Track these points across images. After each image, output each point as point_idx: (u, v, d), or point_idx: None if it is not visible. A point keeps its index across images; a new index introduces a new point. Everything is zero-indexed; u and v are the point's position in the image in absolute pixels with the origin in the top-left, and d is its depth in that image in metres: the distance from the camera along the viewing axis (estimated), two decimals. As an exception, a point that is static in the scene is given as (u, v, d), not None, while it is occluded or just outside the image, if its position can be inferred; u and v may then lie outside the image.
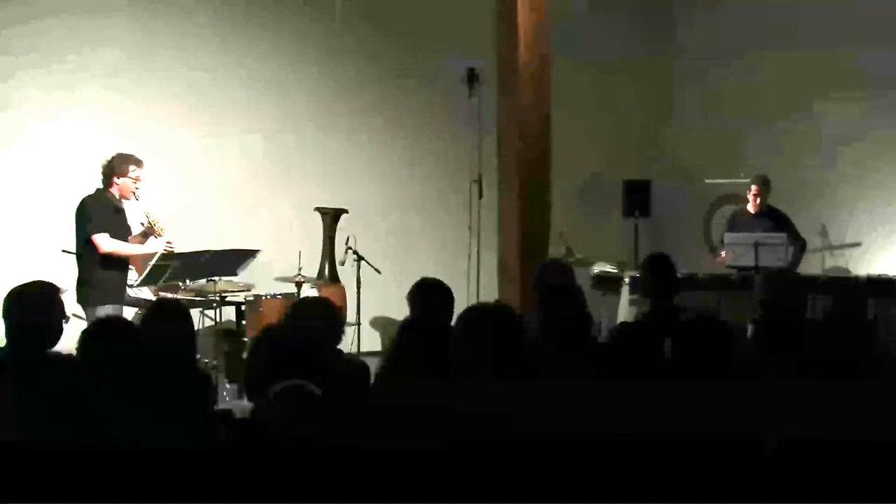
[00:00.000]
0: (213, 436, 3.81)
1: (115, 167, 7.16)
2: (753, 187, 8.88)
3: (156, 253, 7.17)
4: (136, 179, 7.17)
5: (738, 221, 8.95)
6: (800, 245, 8.83)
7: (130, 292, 7.38)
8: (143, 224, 7.36)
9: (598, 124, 10.42)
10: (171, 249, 7.22)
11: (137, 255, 7.36)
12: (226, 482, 3.31)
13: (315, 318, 4.70)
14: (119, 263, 7.19)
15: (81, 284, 7.11)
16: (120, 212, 7.23)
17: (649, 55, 10.88)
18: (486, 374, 3.63)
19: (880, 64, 9.38)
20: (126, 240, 7.23)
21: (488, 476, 3.26)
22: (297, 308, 5.03)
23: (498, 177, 8.58)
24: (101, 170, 7.21)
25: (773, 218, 8.83)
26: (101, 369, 3.91)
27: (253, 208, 9.34)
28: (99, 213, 7.11)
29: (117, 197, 7.19)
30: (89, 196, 7.20)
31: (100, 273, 7.09)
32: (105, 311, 6.80)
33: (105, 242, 7.07)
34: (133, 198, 7.24)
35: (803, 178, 9.82)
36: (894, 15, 9.44)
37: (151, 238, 7.31)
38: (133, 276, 7.40)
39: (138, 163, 7.20)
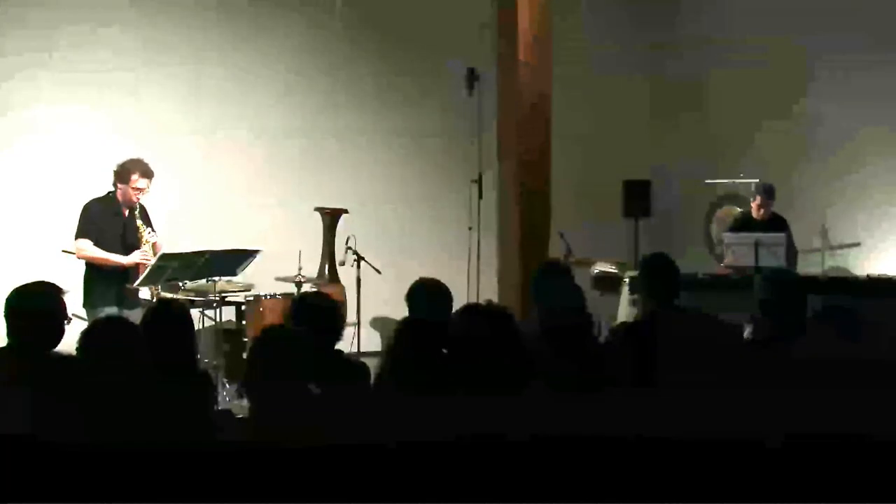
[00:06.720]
0: (213, 436, 3.81)
1: (121, 173, 7.06)
2: (758, 197, 8.72)
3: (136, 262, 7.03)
4: (138, 190, 7.04)
5: (744, 226, 8.81)
6: (793, 252, 8.70)
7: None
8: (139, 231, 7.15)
9: (599, 124, 10.41)
10: (146, 261, 7.02)
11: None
12: (226, 482, 3.31)
13: (318, 311, 4.73)
14: (108, 267, 7.03)
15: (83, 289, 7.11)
16: (119, 217, 7.12)
17: (650, 55, 10.88)
18: (485, 373, 3.64)
19: (881, 63, 9.41)
20: (126, 245, 7.09)
21: (487, 475, 3.27)
22: (301, 302, 5.07)
23: (498, 177, 8.58)
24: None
25: (778, 227, 8.64)
26: (101, 369, 3.92)
27: (253, 208, 9.33)
28: (87, 218, 7.06)
29: (121, 202, 7.11)
30: (91, 200, 7.16)
31: (90, 275, 7.07)
32: (102, 314, 6.78)
33: (82, 248, 7.05)
34: (132, 207, 7.09)
35: (802, 178, 9.83)
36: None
37: (136, 251, 7.08)
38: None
39: (146, 173, 7.07)
